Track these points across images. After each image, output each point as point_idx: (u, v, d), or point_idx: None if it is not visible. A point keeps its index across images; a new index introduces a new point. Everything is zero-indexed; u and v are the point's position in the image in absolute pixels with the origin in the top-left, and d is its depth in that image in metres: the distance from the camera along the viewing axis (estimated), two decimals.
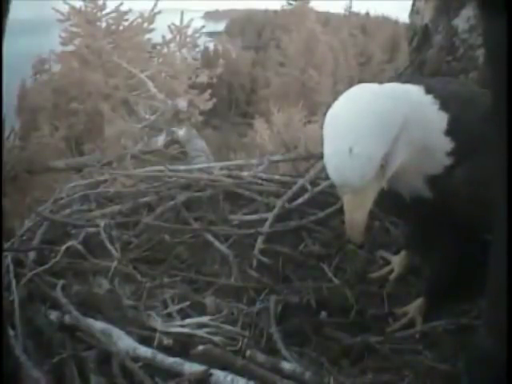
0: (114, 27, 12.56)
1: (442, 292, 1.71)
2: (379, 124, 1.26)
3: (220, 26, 38.82)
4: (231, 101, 26.71)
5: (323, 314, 1.73)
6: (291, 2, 25.94)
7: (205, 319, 1.69)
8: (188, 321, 1.70)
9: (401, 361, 1.56)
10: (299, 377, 1.46)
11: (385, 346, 1.60)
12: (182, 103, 8.10)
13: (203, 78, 11.70)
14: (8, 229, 2.38)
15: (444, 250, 1.62)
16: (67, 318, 1.72)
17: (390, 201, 1.49)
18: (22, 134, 11.27)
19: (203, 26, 14.23)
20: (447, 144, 1.42)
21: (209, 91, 11.80)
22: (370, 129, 1.25)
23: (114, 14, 12.59)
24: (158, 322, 1.66)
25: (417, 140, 1.36)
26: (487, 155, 1.18)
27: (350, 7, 34.39)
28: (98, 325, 1.67)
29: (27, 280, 1.87)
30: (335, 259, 2.06)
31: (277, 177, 2.63)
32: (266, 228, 2.17)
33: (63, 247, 2.04)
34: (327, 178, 2.49)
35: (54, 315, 1.75)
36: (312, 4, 25.57)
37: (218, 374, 1.46)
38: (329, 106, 1.35)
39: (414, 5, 3.05)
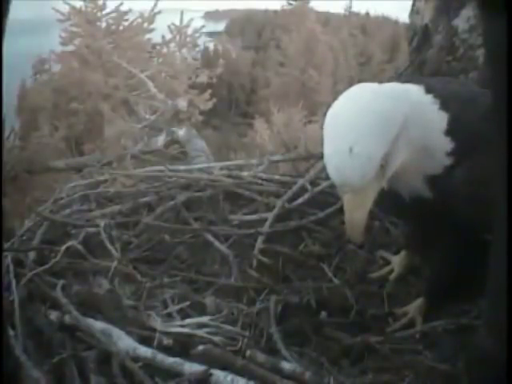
0: (113, 27, 12.57)
1: (442, 292, 1.71)
2: (379, 124, 1.26)
3: (220, 26, 38.80)
4: (231, 101, 26.71)
5: (323, 314, 1.73)
6: (291, 2, 25.94)
7: (205, 319, 1.69)
8: (188, 321, 1.70)
9: (401, 361, 1.56)
10: (299, 377, 1.46)
11: (385, 346, 1.60)
12: (182, 103, 8.11)
13: (203, 78, 11.70)
14: (8, 229, 2.38)
15: (444, 250, 1.62)
16: (67, 318, 1.72)
17: (389, 201, 1.49)
18: (22, 134, 11.26)
19: (203, 26, 14.24)
20: (447, 144, 1.42)
21: (209, 91, 11.81)
22: (370, 128, 1.25)
23: (114, 14, 12.60)
24: (157, 322, 1.66)
25: (417, 139, 1.36)
26: (487, 155, 1.18)
27: (350, 7, 34.41)
28: (98, 325, 1.67)
29: (27, 280, 1.87)
30: (335, 259, 2.06)
31: (277, 177, 2.63)
32: (266, 228, 2.17)
33: (63, 247, 2.04)
34: (327, 178, 2.50)
35: (54, 315, 1.74)
36: (312, 4, 25.62)
37: (218, 373, 1.46)
38: (329, 106, 1.35)
39: (414, 5, 3.05)
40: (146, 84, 9.83)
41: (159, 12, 12.63)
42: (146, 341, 1.61)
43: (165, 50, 12.66)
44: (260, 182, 2.57)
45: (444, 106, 1.43)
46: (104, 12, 12.56)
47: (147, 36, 12.78)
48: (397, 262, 2.00)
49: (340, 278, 1.93)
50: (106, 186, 2.66)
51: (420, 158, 1.40)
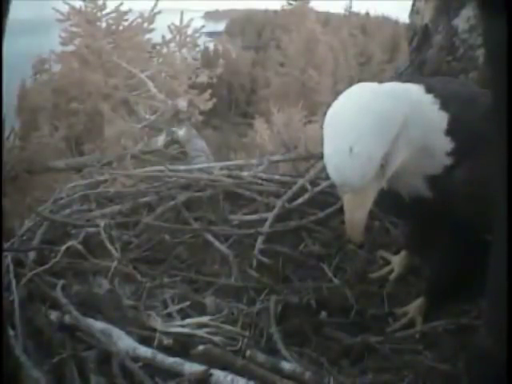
0: (114, 27, 12.55)
1: (442, 292, 1.71)
2: (379, 123, 1.26)
3: (220, 26, 38.78)
4: (231, 101, 26.70)
5: (323, 314, 1.74)
6: (291, 2, 25.91)
7: (205, 319, 1.70)
8: (188, 321, 1.70)
9: (401, 361, 1.56)
10: (299, 377, 1.46)
11: (385, 346, 1.60)
12: (182, 103, 8.09)
13: (203, 77, 11.69)
14: (8, 229, 2.37)
15: (444, 250, 1.62)
16: (67, 318, 1.72)
17: (389, 201, 1.49)
18: (22, 134, 11.25)
19: (203, 26, 14.22)
20: (447, 144, 1.42)
21: (209, 91, 11.79)
22: (370, 128, 1.25)
23: (113, 14, 12.57)
24: (157, 322, 1.66)
25: (417, 139, 1.36)
26: (487, 155, 1.18)
27: (350, 7, 34.37)
28: (98, 325, 1.67)
29: (27, 280, 1.87)
30: (335, 259, 2.06)
31: (277, 177, 2.63)
32: (266, 228, 2.17)
33: (63, 247, 2.04)
34: (327, 177, 2.50)
35: (54, 315, 1.75)
36: (312, 4, 25.55)
37: (218, 373, 1.46)
38: (329, 106, 1.35)
39: (414, 5, 3.05)
40: (146, 84, 9.81)
41: (159, 12, 12.61)
42: (146, 341, 1.61)
43: (165, 50, 12.65)
44: (260, 181, 2.57)
45: (444, 105, 1.43)
46: (104, 12, 12.54)
47: (147, 36, 12.77)
48: (397, 261, 2.00)
49: (340, 278, 1.93)
50: (106, 186, 2.66)
51: (420, 157, 1.40)
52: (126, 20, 12.64)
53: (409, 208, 1.53)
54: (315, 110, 17.25)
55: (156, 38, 12.87)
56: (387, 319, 1.77)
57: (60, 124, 11.82)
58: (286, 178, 2.62)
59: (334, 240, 2.16)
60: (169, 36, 12.57)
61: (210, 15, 46.58)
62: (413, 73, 2.89)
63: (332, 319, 1.73)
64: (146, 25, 12.66)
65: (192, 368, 1.49)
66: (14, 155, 8.17)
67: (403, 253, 2.00)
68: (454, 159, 1.42)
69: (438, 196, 1.45)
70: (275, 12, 30.31)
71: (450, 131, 1.42)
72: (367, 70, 26.95)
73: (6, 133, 8.44)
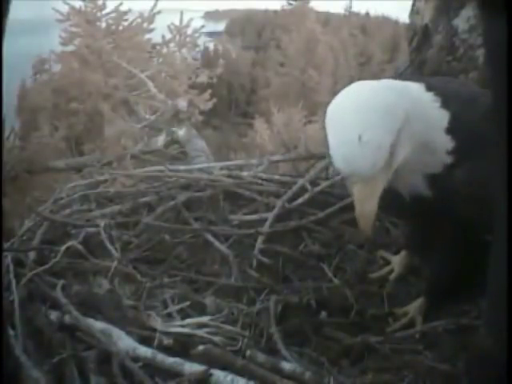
0: (113, 27, 12.54)
1: (442, 292, 1.71)
2: (385, 113, 1.25)
3: (220, 26, 38.76)
4: (231, 101, 26.69)
5: (323, 314, 1.73)
6: (291, 2, 25.92)
7: (205, 319, 1.69)
8: (188, 321, 1.70)
9: (401, 361, 1.56)
10: (299, 377, 1.46)
11: (385, 346, 1.60)
12: (182, 103, 8.10)
13: (203, 77, 11.68)
14: (8, 229, 2.38)
15: (444, 250, 1.62)
16: (67, 318, 1.72)
17: (389, 201, 1.48)
18: (22, 134, 11.24)
19: (203, 26, 14.21)
20: (448, 142, 1.42)
21: (209, 91, 11.78)
22: (378, 117, 1.24)
23: (113, 14, 12.56)
24: (158, 322, 1.66)
25: (418, 134, 1.35)
26: (487, 155, 1.18)
27: (350, 7, 34.37)
28: (98, 325, 1.67)
29: (27, 280, 1.87)
30: (335, 259, 2.06)
31: (277, 177, 2.63)
32: (265, 228, 2.17)
33: (63, 247, 2.04)
34: (327, 177, 2.52)
35: (54, 315, 1.74)
36: (312, 4, 25.56)
37: (218, 373, 1.46)
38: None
39: (414, 5, 3.04)
40: (146, 84, 9.81)
41: (159, 12, 12.60)
42: (146, 341, 1.61)
43: (165, 49, 12.63)
44: (260, 181, 2.57)
45: (445, 104, 1.43)
46: (104, 12, 12.53)
47: (147, 36, 12.75)
48: (397, 261, 2.00)
49: (340, 278, 1.93)
50: (106, 186, 2.66)
51: (421, 154, 1.39)
52: (126, 20, 12.62)
53: (409, 208, 1.53)
54: (315, 109, 17.24)
55: (156, 37, 12.86)
56: (387, 319, 1.76)
57: (60, 124, 11.81)
58: (285, 178, 2.62)
59: (333, 240, 2.16)
60: (169, 36, 12.56)
61: (210, 15, 46.54)
62: (413, 73, 2.89)
63: (332, 319, 1.73)
64: (145, 25, 12.65)
65: (192, 368, 1.49)
66: (14, 155, 8.16)
67: (403, 253, 2.00)
68: (454, 158, 1.42)
69: (438, 195, 1.45)
70: (275, 12, 30.30)
71: (451, 130, 1.41)
72: (367, 70, 26.93)
73: (6, 133, 8.43)
